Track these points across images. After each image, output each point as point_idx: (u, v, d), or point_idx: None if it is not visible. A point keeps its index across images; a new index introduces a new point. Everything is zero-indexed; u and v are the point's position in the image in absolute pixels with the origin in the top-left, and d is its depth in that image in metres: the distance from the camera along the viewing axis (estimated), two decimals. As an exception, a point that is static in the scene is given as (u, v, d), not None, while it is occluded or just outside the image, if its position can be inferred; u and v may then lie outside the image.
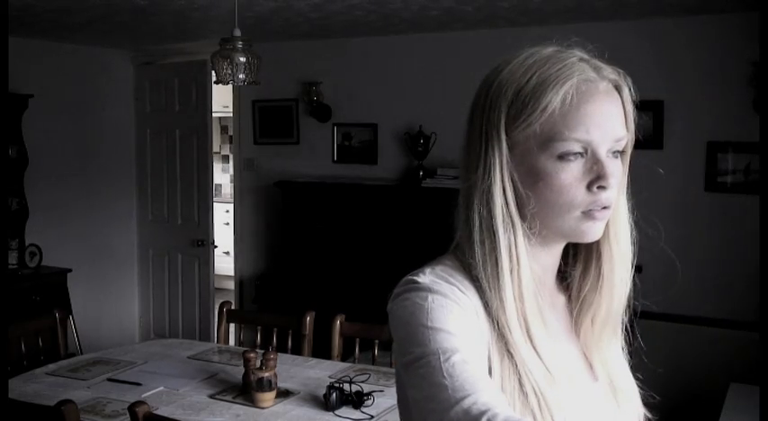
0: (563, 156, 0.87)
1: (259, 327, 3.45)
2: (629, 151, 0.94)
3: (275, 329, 3.37)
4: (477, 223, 0.90)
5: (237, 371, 2.84)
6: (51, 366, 3.01)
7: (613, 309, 0.99)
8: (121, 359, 3.10)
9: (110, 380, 2.85)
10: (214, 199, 5.64)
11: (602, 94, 0.88)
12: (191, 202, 5.45)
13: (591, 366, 1.00)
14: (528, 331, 0.88)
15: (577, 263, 1.00)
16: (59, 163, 5.14)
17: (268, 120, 5.23)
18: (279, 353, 2.79)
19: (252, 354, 2.70)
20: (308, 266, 4.77)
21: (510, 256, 0.89)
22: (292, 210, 4.83)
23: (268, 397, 2.57)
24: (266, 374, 2.56)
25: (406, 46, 4.69)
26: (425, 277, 0.89)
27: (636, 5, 3.68)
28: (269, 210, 5.20)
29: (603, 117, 0.88)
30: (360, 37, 4.77)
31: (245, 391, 2.65)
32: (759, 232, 2.47)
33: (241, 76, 2.96)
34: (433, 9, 3.82)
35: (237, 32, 2.96)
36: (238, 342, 3.74)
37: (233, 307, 3.73)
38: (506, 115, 0.89)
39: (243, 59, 2.94)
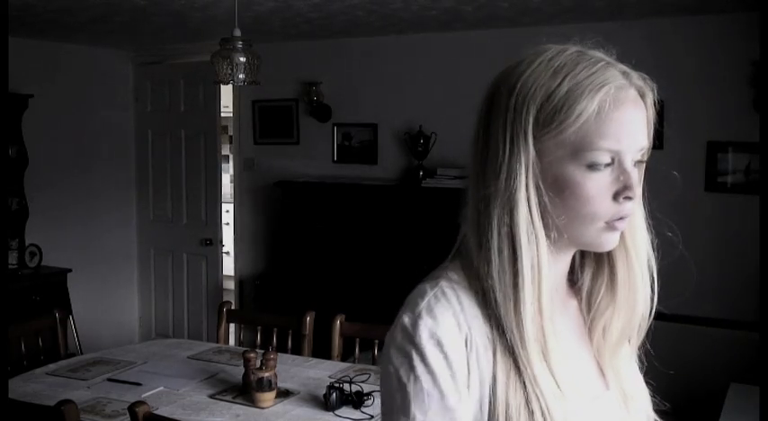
0: (592, 166, 0.84)
1: (259, 327, 3.45)
2: (646, 158, 0.91)
3: (275, 329, 3.37)
4: (495, 231, 0.86)
5: (237, 371, 2.84)
6: (51, 366, 3.01)
7: (634, 319, 0.96)
8: (121, 359, 3.10)
9: (110, 380, 2.85)
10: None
11: (631, 101, 0.85)
12: (197, 202, 5.45)
13: (603, 373, 0.97)
14: (544, 345, 0.85)
15: (585, 265, 0.98)
16: (59, 163, 5.14)
17: (268, 120, 5.23)
18: (279, 353, 2.79)
19: (252, 354, 2.70)
20: (308, 266, 4.77)
21: (532, 267, 0.85)
22: (292, 210, 4.83)
23: (268, 397, 2.57)
24: (266, 374, 2.56)
25: (406, 46, 4.69)
26: (424, 325, 0.84)
27: (635, 5, 3.68)
28: (269, 210, 5.20)
29: (632, 126, 0.85)
30: (360, 37, 4.77)
31: (245, 391, 2.65)
32: (759, 232, 2.47)
33: (241, 76, 2.96)
34: (433, 9, 3.82)
35: (237, 32, 2.96)
36: (238, 342, 3.74)
37: (233, 307, 3.72)
38: (535, 119, 0.85)
39: (243, 59, 2.94)
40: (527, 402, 0.84)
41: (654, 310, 0.97)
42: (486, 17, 4.01)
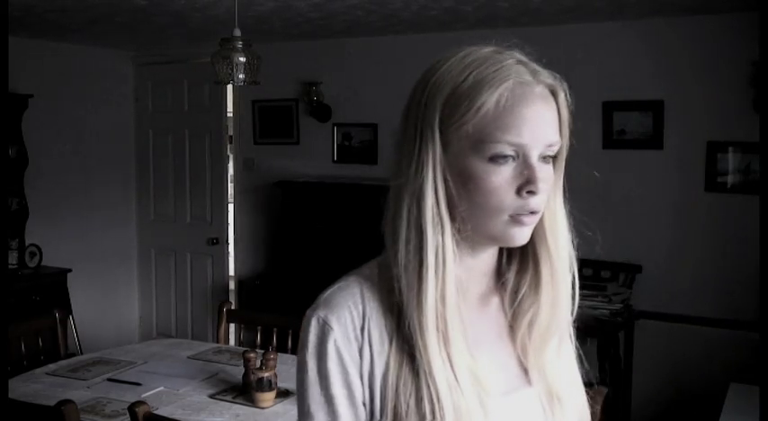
0: (494, 159, 0.86)
1: (259, 327, 3.45)
2: (563, 156, 0.92)
3: (275, 329, 3.37)
4: (404, 221, 0.89)
5: (237, 371, 2.84)
6: (51, 366, 3.01)
7: (557, 316, 0.97)
8: (121, 359, 3.10)
9: (110, 380, 2.85)
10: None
11: (537, 97, 0.87)
12: (202, 201, 5.46)
13: (526, 371, 0.97)
14: (445, 334, 0.87)
15: (512, 264, 0.99)
16: (59, 163, 5.14)
17: (268, 120, 5.23)
18: (279, 353, 2.79)
19: (252, 354, 2.70)
20: (308, 266, 4.77)
21: (436, 256, 0.87)
22: (292, 210, 4.83)
23: (268, 397, 2.57)
24: (266, 374, 2.56)
25: (406, 46, 4.69)
26: (318, 314, 0.93)
27: (635, 5, 3.68)
28: (269, 210, 5.20)
29: (536, 121, 0.86)
30: (360, 37, 4.77)
31: (245, 391, 2.65)
32: (759, 232, 2.47)
33: (241, 76, 2.96)
34: (433, 9, 3.82)
35: (237, 32, 2.96)
36: (238, 342, 3.74)
37: (233, 307, 3.72)
38: (441, 113, 0.88)
39: (243, 59, 2.94)
40: (417, 391, 0.86)
41: (575, 310, 0.99)
42: (486, 17, 4.01)
